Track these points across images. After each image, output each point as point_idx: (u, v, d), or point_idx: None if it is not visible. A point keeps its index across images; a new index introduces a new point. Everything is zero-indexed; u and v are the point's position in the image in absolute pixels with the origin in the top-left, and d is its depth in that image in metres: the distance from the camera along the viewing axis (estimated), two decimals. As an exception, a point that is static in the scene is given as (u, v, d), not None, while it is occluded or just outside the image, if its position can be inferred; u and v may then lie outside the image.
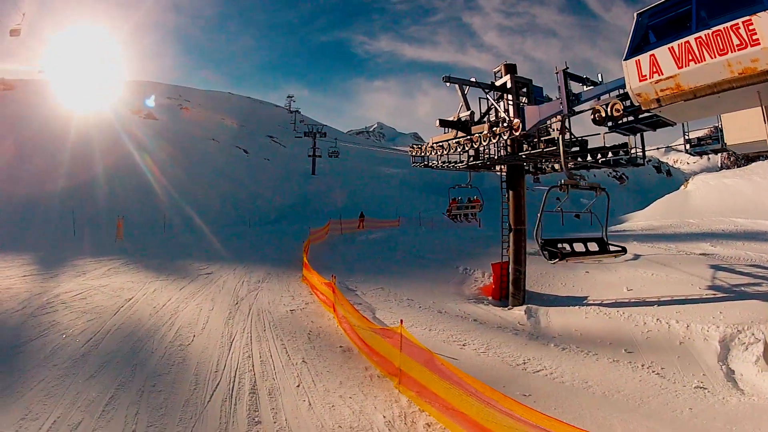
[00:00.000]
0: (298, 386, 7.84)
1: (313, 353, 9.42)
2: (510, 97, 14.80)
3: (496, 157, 16.63)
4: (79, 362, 8.25)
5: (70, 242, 23.07)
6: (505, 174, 17.10)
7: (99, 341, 9.36)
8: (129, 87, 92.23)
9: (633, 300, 13.85)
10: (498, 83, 15.31)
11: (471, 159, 17.43)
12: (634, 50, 9.03)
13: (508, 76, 15.03)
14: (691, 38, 7.93)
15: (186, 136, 67.16)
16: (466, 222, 27.95)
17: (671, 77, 8.35)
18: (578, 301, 14.72)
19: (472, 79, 15.43)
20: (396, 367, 7.66)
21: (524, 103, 14.77)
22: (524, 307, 14.20)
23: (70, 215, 29.27)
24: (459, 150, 16.82)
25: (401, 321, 7.36)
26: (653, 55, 8.61)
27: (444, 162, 18.46)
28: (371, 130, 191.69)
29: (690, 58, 7.99)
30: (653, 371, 9.20)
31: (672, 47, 8.25)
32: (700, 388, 8.48)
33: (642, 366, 9.42)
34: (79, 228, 27.77)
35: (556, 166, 17.13)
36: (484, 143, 15.49)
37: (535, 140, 15.02)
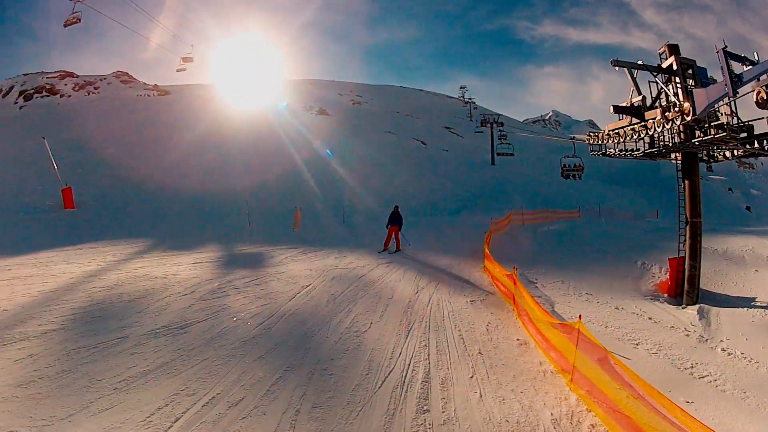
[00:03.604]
0: (472, 377, 7.58)
1: (490, 345, 9.12)
2: (677, 79, 13.85)
3: (670, 144, 15.41)
4: (248, 344, 8.47)
5: (245, 233, 24.00)
6: (680, 162, 15.86)
7: (271, 325, 9.55)
8: (298, 85, 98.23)
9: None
10: (664, 65, 14.36)
11: (647, 146, 16.32)
12: None
13: (673, 57, 14.12)
14: None
15: (361, 129, 70.61)
16: (573, 179, 30.30)
17: None
18: (746, 302, 13.55)
19: (639, 62, 14.65)
20: (570, 364, 7.19)
21: (692, 85, 13.76)
22: (697, 306, 13.14)
23: (244, 208, 30.76)
24: (635, 137, 15.84)
25: (579, 316, 6.86)
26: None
27: (621, 150, 17.47)
28: (547, 118, 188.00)
29: None
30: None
31: None
32: None
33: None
34: (255, 220, 29.47)
35: (728, 154, 15.72)
36: (658, 129, 14.45)
37: (706, 126, 13.81)
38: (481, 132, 68.62)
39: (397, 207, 20.41)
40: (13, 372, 6.70)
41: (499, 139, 62.79)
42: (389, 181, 48.88)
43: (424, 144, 72.75)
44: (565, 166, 38.65)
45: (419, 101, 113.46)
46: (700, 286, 15.01)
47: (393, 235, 19.53)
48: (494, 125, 66.19)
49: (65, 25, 26.31)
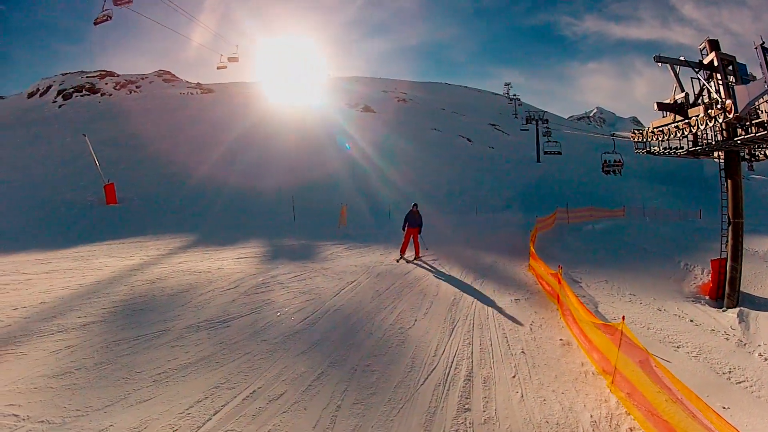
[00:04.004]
0: (514, 377, 7.51)
1: (533, 344, 9.03)
2: (719, 76, 13.69)
3: (713, 142, 15.13)
4: (292, 339, 8.49)
5: (289, 229, 24.17)
6: (722, 161, 15.58)
7: (315, 321, 9.58)
8: (343, 83, 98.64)
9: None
10: (705, 61, 14.18)
11: (690, 144, 16.05)
12: None
13: (713, 53, 13.96)
14: None
15: (407, 126, 70.90)
16: (614, 175, 38.73)
17: None
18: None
19: (681, 58, 14.52)
20: (612, 365, 7.06)
21: (733, 82, 13.59)
22: (737, 309, 12.85)
23: (288, 204, 31.22)
24: (678, 135, 15.64)
25: (623, 317, 6.76)
26: None
27: (665, 148, 17.21)
28: (591, 115, 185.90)
29: None
30: None
31: None
32: None
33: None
34: (299, 216, 29.61)
35: (768, 152, 15.53)
36: (701, 127, 14.25)
37: (747, 124, 13.51)
38: (527, 130, 68.05)
39: (416, 205, 17.17)
40: (49, 363, 6.77)
41: (544, 135, 62.65)
42: (435, 179, 49.03)
43: (470, 141, 72.61)
44: (605, 161, 39.44)
45: (464, 98, 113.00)
46: (740, 289, 14.73)
47: (411, 240, 16.72)
48: (539, 122, 65.77)
49: (95, 23, 26.55)
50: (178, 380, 6.68)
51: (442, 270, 15.10)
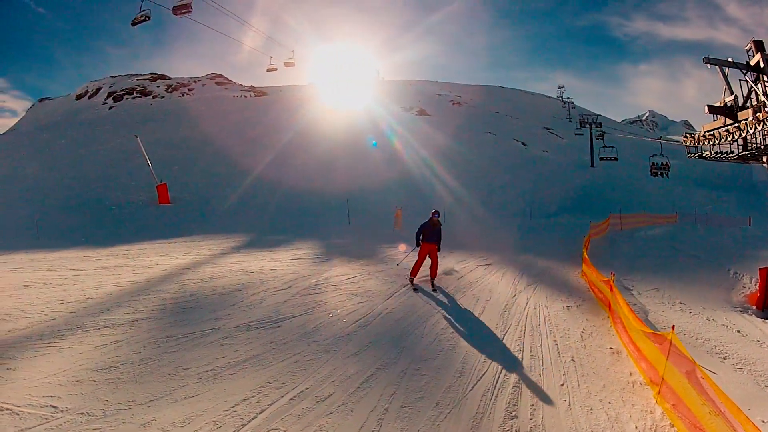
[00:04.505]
0: (562, 385, 7.44)
1: (583, 352, 8.95)
2: (765, 78, 13.59)
3: (762, 147, 14.83)
4: (342, 340, 8.54)
5: (344, 231, 24.39)
6: None
7: (368, 323, 9.62)
8: (398, 86, 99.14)
9: None
10: (752, 62, 13.94)
11: (740, 149, 15.76)
12: None
13: (759, 53, 13.69)
14: None
15: (461, 129, 71.24)
16: (661, 177, 42.17)
17: None
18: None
19: (729, 59, 14.21)
20: (659, 376, 6.93)
21: None
22: None
23: (343, 207, 31.59)
24: (729, 139, 15.47)
25: (672, 327, 6.66)
26: None
27: (716, 153, 16.94)
28: (644, 118, 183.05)
29: None
30: None
31: None
32: None
33: None
34: (354, 219, 29.82)
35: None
36: (751, 131, 13.97)
37: None
38: (581, 134, 67.19)
39: (436, 213, 13.32)
40: (94, 357, 6.91)
41: (598, 138, 61.96)
42: (489, 182, 49.25)
43: (524, 145, 72.58)
44: (653, 164, 42.47)
45: (517, 101, 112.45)
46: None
47: (428, 257, 12.98)
48: (593, 126, 64.96)
49: (133, 24, 26.81)
50: (225, 378, 6.77)
51: (496, 275, 15.02)
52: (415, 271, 12.88)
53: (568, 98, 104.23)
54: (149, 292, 10.24)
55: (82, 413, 5.43)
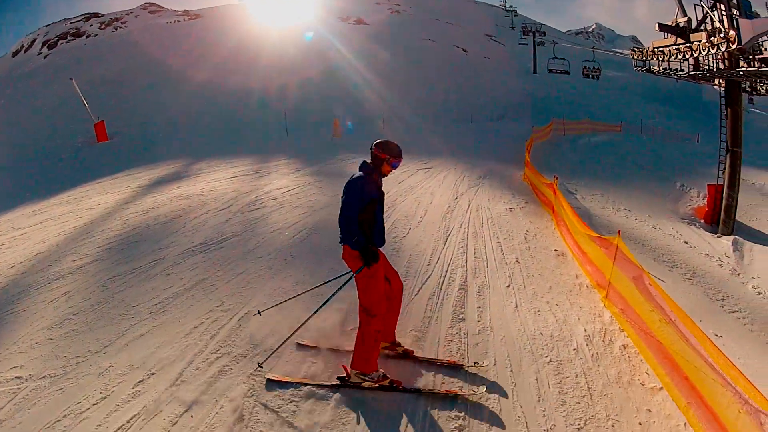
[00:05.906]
0: (508, 287, 7.50)
1: (528, 254, 9.04)
2: (722, 6, 13.94)
3: (714, 69, 15.35)
4: (284, 254, 8.53)
5: (282, 144, 24.23)
6: (723, 89, 15.80)
7: (309, 234, 9.62)
8: None
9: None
10: None
11: (691, 68, 16.19)
12: None
13: None
14: None
15: (400, 38, 69.99)
16: (592, 79, 50.18)
17: None
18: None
19: None
20: (606, 279, 7.02)
21: (736, 15, 13.79)
22: (732, 237, 13.17)
23: (281, 120, 31.69)
24: (679, 57, 16.00)
25: (618, 231, 6.70)
26: None
27: (665, 69, 17.31)
28: (590, 30, 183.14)
29: None
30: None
31: None
32: None
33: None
34: (292, 131, 29.73)
35: (771, 87, 15.86)
36: (703, 53, 14.63)
37: (750, 57, 13.81)
38: (525, 44, 67.33)
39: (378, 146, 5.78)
40: (48, 314, 6.69)
41: (539, 45, 63.87)
42: (430, 89, 49.56)
43: (465, 51, 72.03)
44: (585, 67, 51.63)
45: (459, 9, 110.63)
46: (736, 218, 14.89)
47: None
48: (536, 34, 65.68)
49: None
50: (174, 309, 6.67)
51: (437, 178, 15.29)
52: (385, 332, 5.55)
53: (511, 6, 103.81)
54: (93, 234, 9.95)
55: (44, 376, 5.26)
